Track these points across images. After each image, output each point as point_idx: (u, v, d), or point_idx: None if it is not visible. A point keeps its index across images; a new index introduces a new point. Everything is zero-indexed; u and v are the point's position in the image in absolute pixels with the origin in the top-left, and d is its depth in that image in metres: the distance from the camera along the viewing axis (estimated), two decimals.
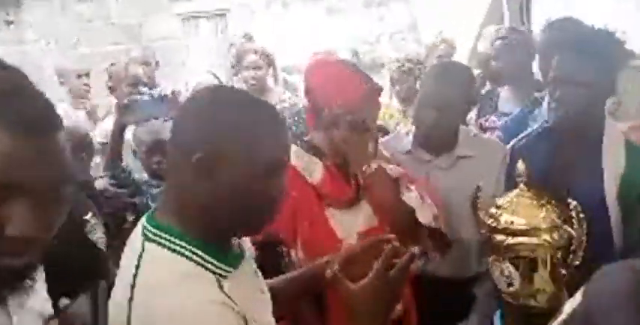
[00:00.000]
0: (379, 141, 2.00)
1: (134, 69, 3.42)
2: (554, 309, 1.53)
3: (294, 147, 1.81)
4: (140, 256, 1.05)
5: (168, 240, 1.05)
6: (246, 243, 1.29)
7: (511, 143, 2.06)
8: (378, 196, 1.78)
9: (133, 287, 1.02)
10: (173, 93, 2.72)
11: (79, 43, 6.03)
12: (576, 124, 1.77)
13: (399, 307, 1.81)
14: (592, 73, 1.68)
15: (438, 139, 2.04)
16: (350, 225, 1.78)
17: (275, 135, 1.09)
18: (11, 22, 6.10)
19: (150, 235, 1.07)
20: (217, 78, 3.72)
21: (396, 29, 6.02)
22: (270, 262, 1.54)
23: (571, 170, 1.77)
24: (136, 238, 1.09)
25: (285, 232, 1.74)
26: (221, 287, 1.05)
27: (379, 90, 1.78)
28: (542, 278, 1.36)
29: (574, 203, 1.31)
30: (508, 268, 1.34)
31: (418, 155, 2.07)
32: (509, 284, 1.39)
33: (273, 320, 1.20)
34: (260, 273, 1.26)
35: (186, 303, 0.98)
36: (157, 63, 3.91)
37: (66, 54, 5.82)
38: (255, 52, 3.40)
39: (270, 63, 3.46)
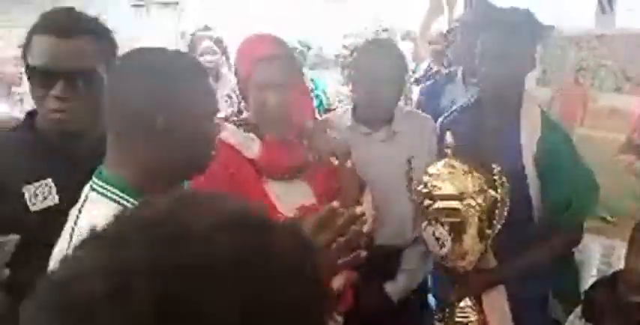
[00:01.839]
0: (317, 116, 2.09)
1: None
2: (479, 269, 1.69)
3: (228, 126, 1.88)
4: (82, 204, 1.14)
5: (110, 191, 1.13)
6: None
7: (440, 119, 2.18)
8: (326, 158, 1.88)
9: (72, 231, 1.10)
10: None
11: None
12: (499, 96, 1.91)
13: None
14: (511, 49, 1.82)
15: (375, 114, 2.14)
16: (289, 199, 1.85)
17: (209, 85, 1.24)
18: None
19: (95, 186, 1.15)
20: None
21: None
22: None
23: (494, 140, 1.90)
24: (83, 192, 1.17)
25: None
26: None
27: (283, 54, 1.86)
28: (470, 239, 1.49)
29: (497, 168, 1.43)
30: (439, 230, 1.47)
31: (358, 129, 2.17)
32: (442, 246, 1.52)
33: None
34: None
35: None
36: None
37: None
38: (210, 39, 3.51)
39: (224, 51, 3.56)
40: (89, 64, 1.36)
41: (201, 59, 3.38)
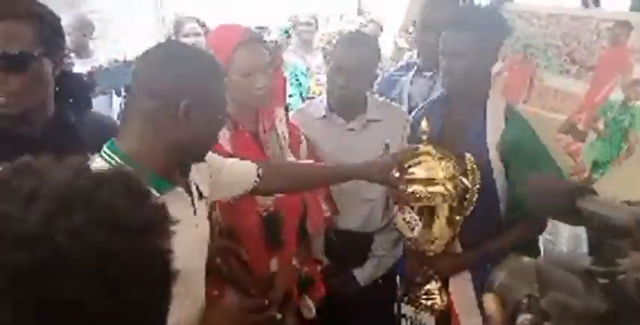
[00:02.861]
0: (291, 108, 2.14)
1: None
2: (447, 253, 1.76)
3: None
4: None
5: (115, 160, 1.25)
6: None
7: (413, 112, 2.25)
8: None
9: None
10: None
11: None
12: (462, 90, 1.99)
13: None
14: (470, 45, 1.89)
15: (349, 103, 2.20)
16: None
17: (224, 75, 1.36)
18: None
19: (103, 154, 1.27)
20: None
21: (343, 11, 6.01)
22: None
23: (462, 133, 1.97)
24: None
25: None
26: None
27: (257, 39, 1.91)
28: (440, 225, 1.56)
29: (469, 155, 1.50)
30: (411, 214, 1.53)
31: (332, 119, 2.22)
32: (412, 230, 1.59)
33: (195, 253, 1.37)
34: (205, 214, 1.44)
35: None
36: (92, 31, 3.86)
37: None
38: (195, 21, 3.50)
39: (207, 33, 3.52)
40: (22, 45, 1.34)
41: (185, 40, 3.35)
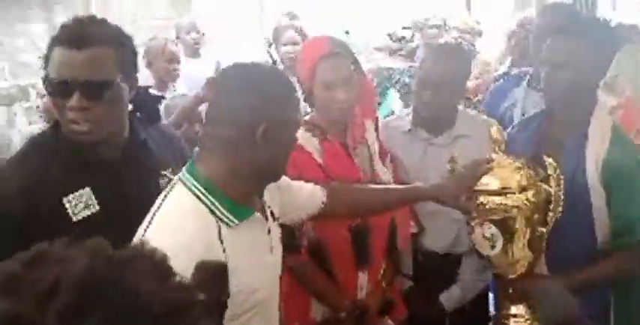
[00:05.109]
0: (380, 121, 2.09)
1: (172, 46, 3.46)
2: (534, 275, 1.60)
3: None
4: (168, 193, 1.28)
5: (195, 186, 1.26)
6: None
7: (508, 129, 2.11)
8: None
9: (153, 216, 1.25)
10: None
11: None
12: (562, 105, 1.81)
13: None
14: (580, 57, 1.72)
15: (436, 118, 2.11)
16: None
17: (298, 98, 1.37)
18: None
19: (183, 178, 1.28)
20: (272, 57, 3.76)
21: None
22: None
23: (559, 151, 1.80)
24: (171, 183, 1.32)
25: None
26: (219, 230, 1.23)
27: (340, 53, 1.87)
28: (521, 239, 1.42)
29: (549, 160, 1.36)
30: (490, 229, 1.41)
31: (417, 134, 2.14)
32: (492, 247, 1.47)
33: (268, 278, 1.36)
34: (278, 236, 1.43)
35: (176, 232, 1.18)
36: (203, 34, 4.07)
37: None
38: (294, 29, 3.55)
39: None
40: (105, 74, 1.36)
41: (284, 50, 3.47)
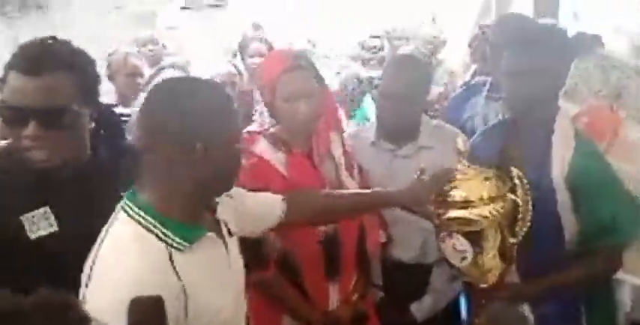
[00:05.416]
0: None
1: (134, 59, 3.39)
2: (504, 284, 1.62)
3: (262, 140, 1.89)
4: (111, 223, 1.23)
5: (138, 214, 1.21)
6: None
7: (471, 139, 2.13)
8: None
9: (98, 248, 1.20)
10: None
11: None
12: (524, 114, 1.84)
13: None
14: (537, 66, 1.75)
15: (398, 129, 2.12)
16: None
17: (235, 109, 1.31)
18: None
19: (125, 207, 1.23)
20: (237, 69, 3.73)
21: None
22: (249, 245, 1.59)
23: (522, 159, 1.82)
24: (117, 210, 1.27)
25: None
26: (170, 255, 1.19)
27: (302, 66, 1.86)
28: (491, 251, 1.44)
29: (515, 171, 1.37)
30: (459, 240, 1.42)
31: (381, 145, 2.15)
32: (463, 258, 1.47)
33: (231, 296, 1.32)
34: (237, 251, 1.39)
35: (122, 261, 1.15)
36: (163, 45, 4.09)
37: None
38: (260, 40, 3.63)
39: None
40: (62, 100, 1.31)
41: (250, 61, 3.54)
